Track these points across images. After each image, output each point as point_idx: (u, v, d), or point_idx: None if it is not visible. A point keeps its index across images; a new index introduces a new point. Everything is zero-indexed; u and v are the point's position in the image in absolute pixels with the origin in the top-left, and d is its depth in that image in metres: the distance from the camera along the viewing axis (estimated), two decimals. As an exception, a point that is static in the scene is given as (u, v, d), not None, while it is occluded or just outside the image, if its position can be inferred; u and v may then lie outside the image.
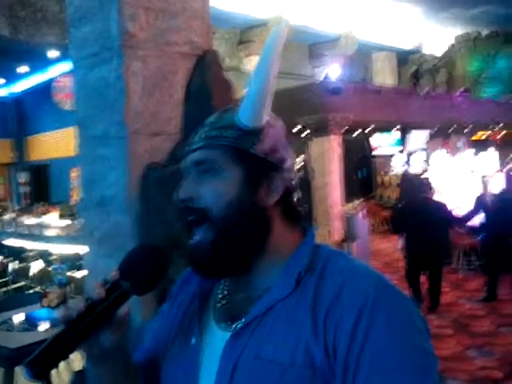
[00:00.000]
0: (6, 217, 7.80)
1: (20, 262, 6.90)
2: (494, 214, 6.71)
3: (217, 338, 0.87)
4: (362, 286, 0.78)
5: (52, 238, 6.47)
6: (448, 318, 6.07)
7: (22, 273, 7.00)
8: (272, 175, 0.87)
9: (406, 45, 18.75)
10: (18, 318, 3.24)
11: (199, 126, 0.92)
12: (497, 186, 8.80)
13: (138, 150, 2.12)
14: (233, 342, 0.83)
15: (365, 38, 16.36)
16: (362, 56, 17.71)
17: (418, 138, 14.60)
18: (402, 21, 16.86)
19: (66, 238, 6.24)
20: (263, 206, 0.86)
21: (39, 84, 14.38)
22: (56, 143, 14.58)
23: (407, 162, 14.91)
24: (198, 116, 1.05)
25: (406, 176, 13.05)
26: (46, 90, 12.60)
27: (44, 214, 7.61)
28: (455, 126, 14.80)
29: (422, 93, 13.98)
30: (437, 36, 19.58)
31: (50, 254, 6.17)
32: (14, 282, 7.08)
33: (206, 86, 2.17)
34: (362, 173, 16.00)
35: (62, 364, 2.72)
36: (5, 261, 7.18)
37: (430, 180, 7.51)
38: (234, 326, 0.85)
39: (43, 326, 3.07)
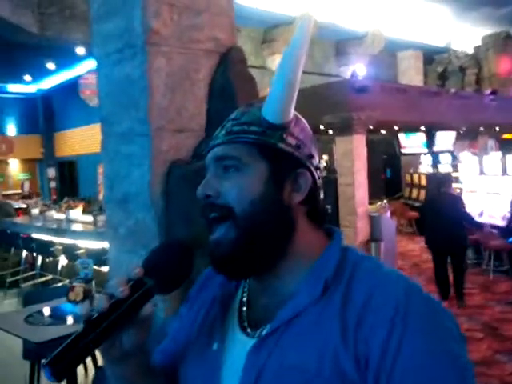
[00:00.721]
0: (35, 211, 7.93)
1: (48, 256, 7.02)
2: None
3: (239, 344, 0.84)
4: (393, 294, 0.75)
5: (79, 232, 6.56)
6: (478, 321, 5.96)
7: (51, 266, 7.12)
8: (299, 172, 0.84)
9: (434, 43, 18.45)
10: (44, 311, 3.29)
11: (223, 121, 0.89)
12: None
13: (161, 146, 2.12)
14: (257, 348, 0.80)
15: (392, 35, 16.14)
16: (387, 55, 17.50)
17: (445, 138, 14.35)
18: (431, 19, 16.60)
19: (93, 233, 6.32)
20: (288, 204, 0.83)
21: (67, 81, 14.63)
22: (83, 139, 14.82)
23: (435, 162, 14.69)
24: (222, 113, 1.03)
25: (431, 175, 12.87)
26: (73, 86, 12.82)
27: (71, 208, 7.72)
28: (483, 126, 14.51)
29: (450, 92, 13.73)
30: (466, 35, 19.23)
31: (78, 249, 6.25)
32: (41, 276, 7.22)
33: (229, 83, 2.15)
34: (389, 172, 15.81)
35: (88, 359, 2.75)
36: (33, 254, 7.32)
37: (450, 176, 8.06)
38: (258, 333, 0.82)
39: (68, 321, 3.10)
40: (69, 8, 8.82)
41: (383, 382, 0.70)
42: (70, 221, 7.14)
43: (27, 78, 15.35)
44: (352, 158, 9.32)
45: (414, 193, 13.52)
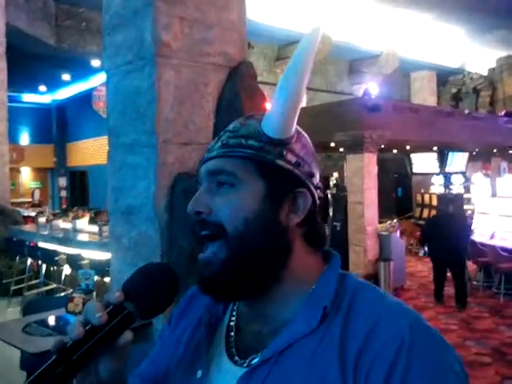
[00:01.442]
0: (42, 219, 7.94)
1: (52, 265, 7.02)
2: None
3: (226, 373, 0.78)
4: (398, 328, 0.70)
5: (84, 243, 6.55)
6: (487, 346, 5.83)
7: (55, 275, 7.11)
8: (297, 191, 0.78)
9: (448, 64, 18.45)
10: (43, 321, 3.26)
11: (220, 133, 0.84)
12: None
13: (167, 159, 2.11)
14: (247, 379, 0.74)
15: (406, 55, 16.18)
16: (401, 75, 17.52)
17: (458, 159, 14.29)
18: (445, 40, 16.62)
19: (97, 243, 6.31)
20: (285, 225, 0.77)
21: (81, 92, 14.83)
22: (95, 150, 14.96)
23: (447, 183, 14.61)
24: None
25: (442, 194, 12.81)
26: (86, 98, 12.97)
27: (77, 218, 7.72)
28: (497, 148, 14.42)
29: (464, 113, 13.68)
30: (480, 57, 19.22)
31: (82, 259, 6.24)
32: (45, 284, 7.20)
33: (238, 98, 2.14)
34: (400, 191, 15.71)
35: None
36: (38, 263, 7.31)
37: (462, 196, 8.86)
38: (247, 362, 0.77)
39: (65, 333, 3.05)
40: (85, 21, 8.97)
41: None
42: (76, 230, 7.14)
43: (42, 88, 15.58)
44: (362, 176, 9.30)
45: (425, 213, 13.44)
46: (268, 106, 2.38)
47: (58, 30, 8.72)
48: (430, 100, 18.09)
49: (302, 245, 0.80)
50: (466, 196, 13.21)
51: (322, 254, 0.84)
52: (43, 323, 3.17)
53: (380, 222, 9.95)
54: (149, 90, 2.02)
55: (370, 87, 12.02)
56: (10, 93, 15.75)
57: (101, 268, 5.37)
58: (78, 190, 17.01)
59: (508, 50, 18.76)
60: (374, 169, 9.51)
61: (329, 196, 10.02)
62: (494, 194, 9.81)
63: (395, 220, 10.66)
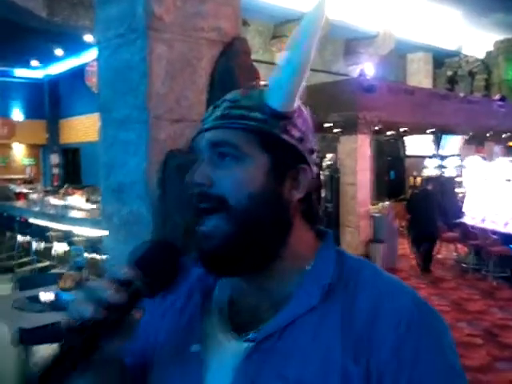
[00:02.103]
0: (34, 196, 7.92)
1: (43, 241, 6.99)
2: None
3: (225, 348, 0.77)
4: (404, 304, 0.71)
5: (76, 220, 6.53)
6: (479, 327, 5.91)
7: (46, 253, 7.10)
8: (300, 167, 0.78)
9: (445, 46, 18.33)
10: (34, 298, 3.26)
11: (216, 102, 0.81)
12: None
13: (159, 135, 2.08)
14: (249, 355, 0.73)
15: (402, 36, 16.05)
16: (397, 56, 17.38)
17: (452, 142, 14.29)
18: (442, 22, 16.50)
19: (91, 220, 6.29)
20: (288, 201, 0.77)
21: (74, 68, 14.64)
22: (88, 127, 14.82)
23: (440, 166, 14.63)
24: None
25: (429, 176, 12.92)
26: (80, 73, 12.81)
27: (69, 195, 7.69)
28: (491, 132, 14.42)
29: (459, 96, 13.64)
30: (476, 40, 19.11)
31: (73, 235, 6.22)
32: (38, 262, 7.19)
33: (231, 74, 2.10)
34: (393, 174, 15.74)
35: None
36: (28, 239, 7.29)
37: (452, 180, 10.16)
38: (248, 337, 0.75)
39: (57, 308, 3.06)
40: (78, -6, 8.79)
41: None
42: (67, 207, 7.11)
43: (34, 63, 15.36)
44: (356, 157, 9.29)
45: (418, 195, 13.47)
46: (261, 83, 2.34)
47: (50, 2, 8.55)
48: (426, 82, 18.00)
49: (300, 221, 0.80)
50: (458, 179, 13.25)
51: (316, 231, 0.84)
52: (34, 299, 3.18)
53: (373, 204, 9.97)
54: (140, 63, 1.97)
55: (366, 68, 11.94)
56: (2, 67, 15.55)
57: (93, 245, 5.36)
58: (71, 168, 16.89)
59: (504, 34, 18.66)
60: (368, 150, 9.51)
61: (321, 177, 10.04)
62: (485, 178, 9.84)
63: (387, 202, 10.69)
